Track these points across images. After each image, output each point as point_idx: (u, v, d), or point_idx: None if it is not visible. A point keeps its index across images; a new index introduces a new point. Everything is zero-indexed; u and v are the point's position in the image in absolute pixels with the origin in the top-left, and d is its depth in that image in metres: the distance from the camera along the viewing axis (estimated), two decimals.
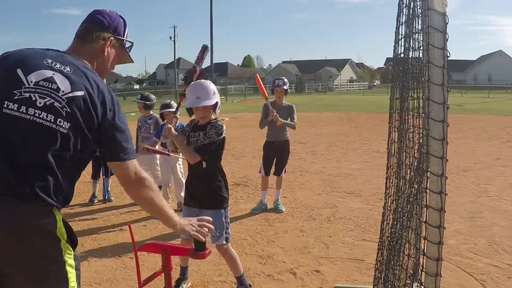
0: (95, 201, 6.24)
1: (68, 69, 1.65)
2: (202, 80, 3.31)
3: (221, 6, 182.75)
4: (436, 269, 1.91)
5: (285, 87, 5.66)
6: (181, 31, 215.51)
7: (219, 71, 73.53)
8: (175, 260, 3.89)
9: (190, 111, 3.31)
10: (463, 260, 4.00)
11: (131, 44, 1.96)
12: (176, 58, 65.56)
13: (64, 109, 1.57)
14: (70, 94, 1.60)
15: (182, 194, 5.76)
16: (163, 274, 2.44)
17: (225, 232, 3.27)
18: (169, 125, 3.23)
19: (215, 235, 3.22)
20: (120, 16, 1.91)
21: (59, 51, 1.75)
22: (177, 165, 5.75)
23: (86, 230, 5.08)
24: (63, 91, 1.59)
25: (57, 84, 1.60)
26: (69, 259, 1.57)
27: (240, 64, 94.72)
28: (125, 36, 1.92)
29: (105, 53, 1.84)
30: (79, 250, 4.44)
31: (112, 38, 1.85)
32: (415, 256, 2.43)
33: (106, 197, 6.30)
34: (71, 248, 1.59)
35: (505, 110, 22.77)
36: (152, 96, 6.37)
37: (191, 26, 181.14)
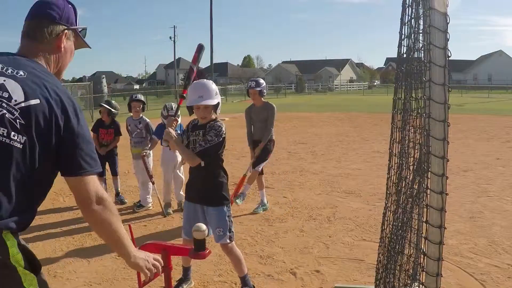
0: None
1: (21, 73, 1.43)
2: (205, 80, 3.31)
3: (221, 6, 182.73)
4: (437, 269, 1.92)
5: (258, 89, 5.47)
6: (181, 31, 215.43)
7: (219, 71, 73.49)
8: (175, 260, 3.88)
9: (190, 110, 3.27)
10: (463, 260, 4.00)
11: (84, 29, 1.70)
12: (176, 58, 65.50)
13: (17, 120, 1.37)
14: (23, 104, 1.39)
15: (181, 192, 5.78)
16: (163, 274, 2.44)
17: (228, 231, 3.23)
18: (169, 128, 3.21)
19: (219, 234, 3.21)
20: (67, 1, 1.63)
21: (11, 54, 1.53)
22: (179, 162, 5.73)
23: (86, 230, 5.07)
24: (15, 100, 1.38)
25: (8, 92, 1.39)
26: (30, 286, 1.39)
27: (240, 64, 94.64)
28: (77, 24, 1.65)
29: (62, 48, 1.60)
30: (80, 250, 4.46)
31: (66, 30, 1.60)
32: (415, 256, 2.43)
33: (119, 199, 6.13)
34: (32, 275, 1.41)
35: (505, 110, 22.76)
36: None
37: (191, 26, 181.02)
